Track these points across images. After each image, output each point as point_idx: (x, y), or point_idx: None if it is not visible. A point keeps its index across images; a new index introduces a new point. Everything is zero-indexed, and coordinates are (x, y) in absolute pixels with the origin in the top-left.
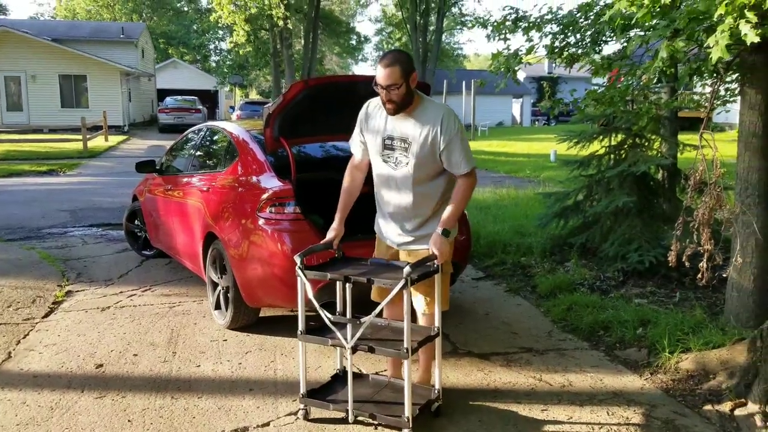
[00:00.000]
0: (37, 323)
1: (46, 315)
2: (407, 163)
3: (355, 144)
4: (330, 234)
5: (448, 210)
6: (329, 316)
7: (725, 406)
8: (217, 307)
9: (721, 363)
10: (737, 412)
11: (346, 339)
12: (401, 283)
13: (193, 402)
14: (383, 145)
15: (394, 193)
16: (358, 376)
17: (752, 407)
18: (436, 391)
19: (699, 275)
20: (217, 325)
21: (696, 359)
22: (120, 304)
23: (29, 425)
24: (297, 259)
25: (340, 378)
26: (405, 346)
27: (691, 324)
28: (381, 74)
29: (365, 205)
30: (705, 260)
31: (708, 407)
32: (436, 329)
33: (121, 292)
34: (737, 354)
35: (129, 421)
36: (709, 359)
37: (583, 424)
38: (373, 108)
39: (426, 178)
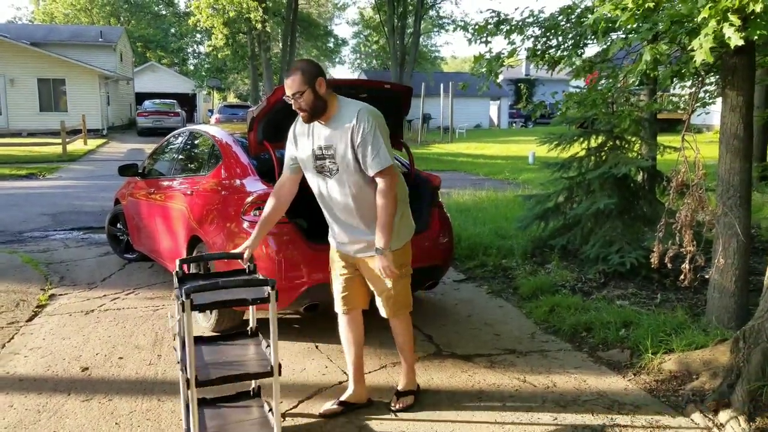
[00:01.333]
0: (21, 327)
1: (30, 318)
2: (337, 170)
3: (285, 164)
4: (240, 247)
5: (376, 227)
6: (175, 332)
7: (709, 407)
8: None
9: (703, 363)
10: (721, 412)
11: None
12: (179, 306)
13: (179, 404)
14: (314, 156)
15: (335, 202)
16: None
17: (736, 407)
18: None
19: (681, 276)
20: (202, 328)
21: (679, 360)
22: (104, 308)
23: (17, 428)
24: (177, 263)
25: (241, 395)
26: (188, 376)
27: (673, 325)
28: (286, 84)
29: None
30: (687, 262)
31: (691, 408)
32: (270, 367)
33: (104, 295)
34: (720, 354)
35: (116, 423)
36: (691, 360)
37: (568, 424)
38: (300, 125)
39: (359, 181)
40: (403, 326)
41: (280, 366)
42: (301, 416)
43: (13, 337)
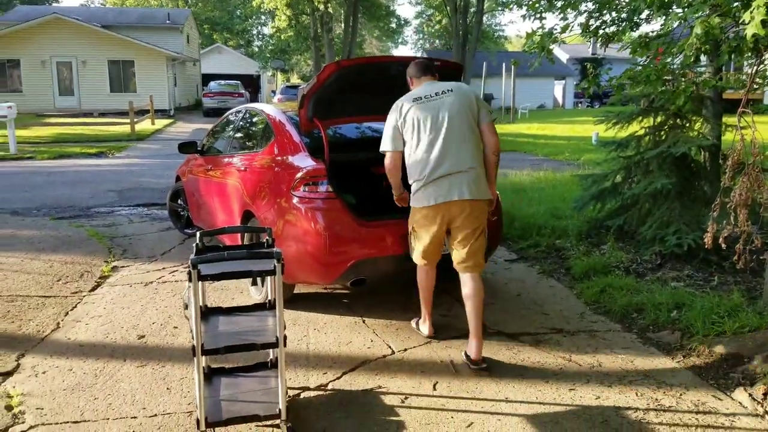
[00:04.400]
0: (84, 296)
1: (93, 289)
2: None
3: None
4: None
5: None
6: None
7: (758, 390)
8: (254, 283)
9: (756, 347)
10: None
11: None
12: (187, 275)
13: None
14: None
15: None
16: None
17: None
18: (278, 409)
19: (735, 257)
20: (254, 301)
21: (730, 342)
22: (162, 280)
23: (75, 390)
24: (198, 235)
25: (260, 365)
26: (193, 343)
27: (728, 307)
28: None
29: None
30: (741, 242)
31: (740, 391)
32: (275, 338)
33: (163, 268)
34: None
35: (168, 388)
36: (744, 343)
37: (611, 404)
38: None
39: None
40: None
41: (285, 337)
42: (343, 386)
43: (76, 306)
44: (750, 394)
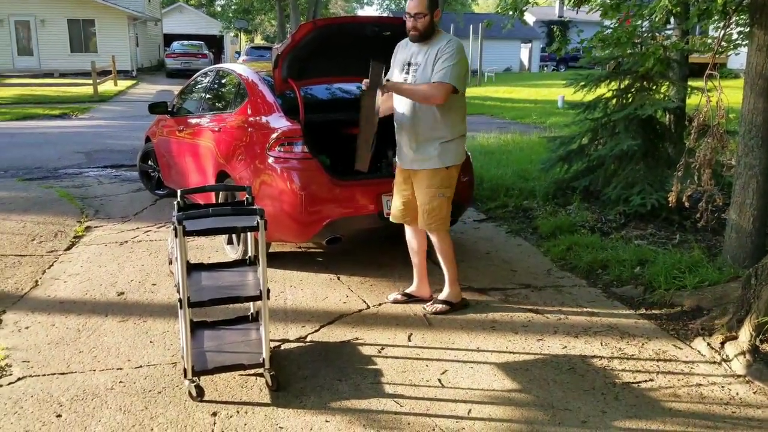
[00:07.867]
0: (60, 255)
1: (68, 248)
2: (413, 83)
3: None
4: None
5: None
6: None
7: (716, 339)
8: (229, 242)
9: (715, 299)
10: (727, 345)
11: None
12: (172, 232)
13: None
14: (402, 69)
15: (402, 116)
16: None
17: (743, 340)
18: (261, 358)
19: (698, 215)
20: (230, 259)
21: (691, 296)
22: (137, 239)
23: (59, 344)
24: (179, 193)
25: (241, 319)
26: (179, 296)
27: (689, 263)
28: (410, 4)
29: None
30: (704, 200)
31: (699, 341)
32: (259, 291)
33: (137, 228)
34: (731, 291)
35: (151, 342)
36: (703, 296)
37: (577, 353)
38: (400, 45)
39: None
40: (438, 242)
41: (269, 291)
42: (321, 338)
43: (52, 264)
44: (708, 344)
